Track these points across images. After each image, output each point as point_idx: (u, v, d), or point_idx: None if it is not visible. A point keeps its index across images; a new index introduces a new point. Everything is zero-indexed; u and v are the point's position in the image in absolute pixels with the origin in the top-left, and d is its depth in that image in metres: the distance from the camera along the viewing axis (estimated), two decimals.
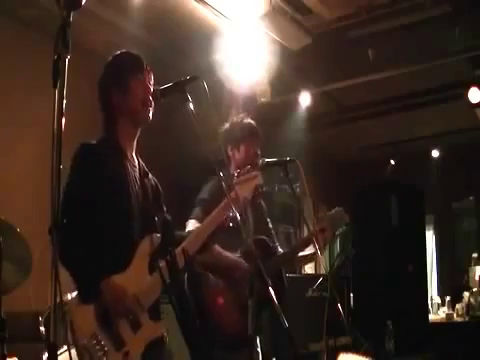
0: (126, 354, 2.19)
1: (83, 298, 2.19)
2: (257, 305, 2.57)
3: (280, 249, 3.38)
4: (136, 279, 2.26)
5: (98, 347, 2.14)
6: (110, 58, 2.50)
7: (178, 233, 2.61)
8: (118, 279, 2.21)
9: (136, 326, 2.24)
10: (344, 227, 3.32)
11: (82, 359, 2.06)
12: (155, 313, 2.34)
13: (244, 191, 2.47)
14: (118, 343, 2.19)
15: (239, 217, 2.30)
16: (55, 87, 1.51)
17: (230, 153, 3.35)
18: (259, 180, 2.58)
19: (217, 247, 3.06)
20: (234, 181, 2.50)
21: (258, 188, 2.74)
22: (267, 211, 3.51)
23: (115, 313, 2.19)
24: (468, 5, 5.13)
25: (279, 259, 3.28)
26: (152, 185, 2.53)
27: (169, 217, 2.59)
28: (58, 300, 1.47)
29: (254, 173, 2.59)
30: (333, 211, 3.32)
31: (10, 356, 2.97)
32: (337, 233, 3.40)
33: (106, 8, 4.82)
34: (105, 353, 2.15)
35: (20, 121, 4.69)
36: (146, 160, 2.58)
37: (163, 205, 2.59)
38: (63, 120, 1.50)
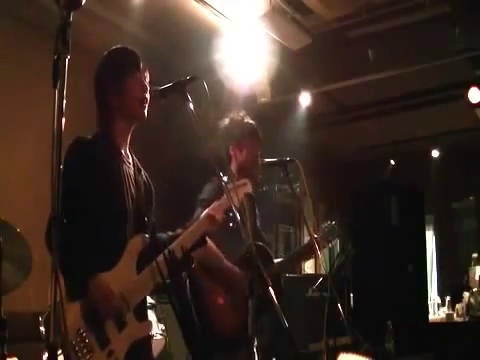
0: (110, 353, 2.17)
1: (70, 295, 2.16)
2: (257, 306, 2.56)
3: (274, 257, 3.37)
4: (123, 278, 2.24)
5: (83, 344, 2.13)
6: (106, 53, 2.46)
7: (165, 235, 2.58)
8: (105, 277, 2.19)
9: (121, 325, 2.22)
10: (337, 239, 3.39)
11: (67, 355, 2.04)
12: (141, 313, 2.31)
13: (233, 198, 2.40)
14: (103, 341, 2.17)
15: (239, 218, 2.29)
16: (55, 87, 1.50)
17: (231, 152, 3.32)
18: (248, 188, 2.56)
19: (212, 245, 3.02)
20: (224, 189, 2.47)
21: (248, 195, 2.72)
22: (259, 217, 3.49)
23: (102, 311, 2.17)
24: (468, 5, 5.14)
25: (279, 267, 3.28)
26: (145, 182, 2.50)
27: (154, 219, 2.54)
28: (58, 300, 1.47)
29: (243, 181, 2.57)
30: (325, 225, 3.42)
31: (10, 356, 2.98)
32: (330, 246, 3.49)
33: (106, 8, 4.82)
34: (90, 351, 2.14)
35: (20, 121, 4.70)
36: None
37: (153, 205, 2.56)
38: (63, 120, 1.50)
